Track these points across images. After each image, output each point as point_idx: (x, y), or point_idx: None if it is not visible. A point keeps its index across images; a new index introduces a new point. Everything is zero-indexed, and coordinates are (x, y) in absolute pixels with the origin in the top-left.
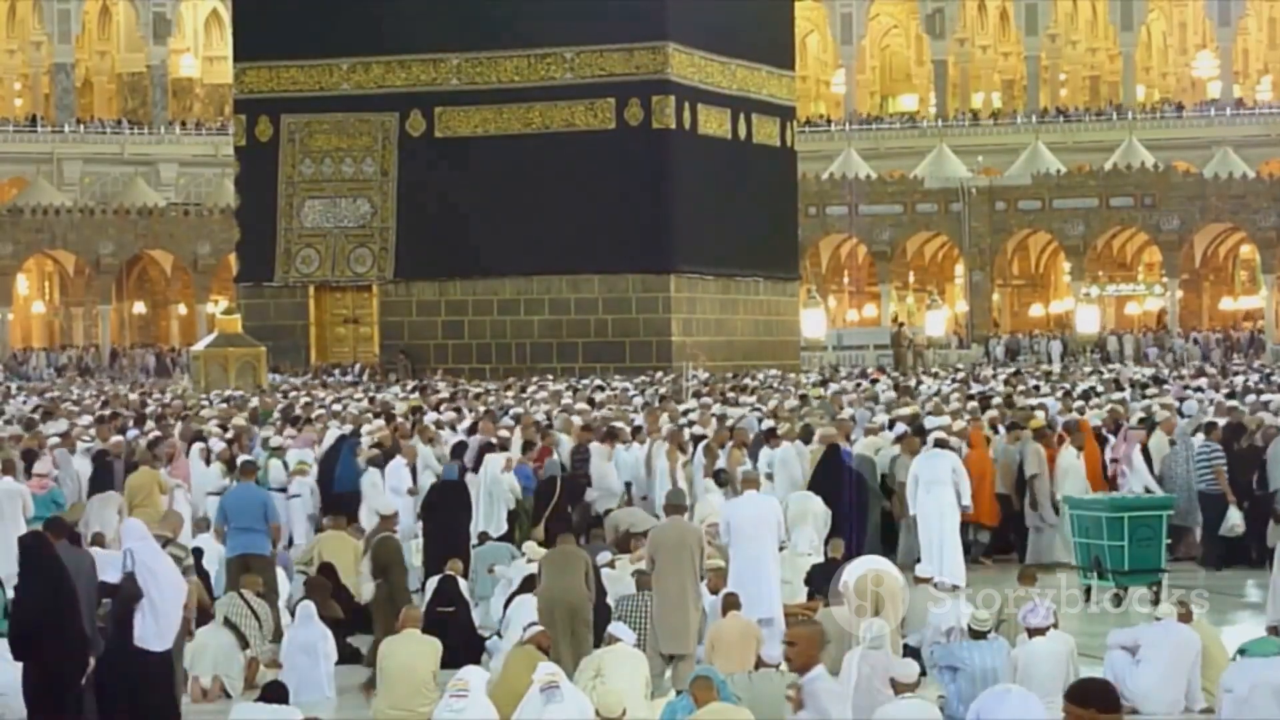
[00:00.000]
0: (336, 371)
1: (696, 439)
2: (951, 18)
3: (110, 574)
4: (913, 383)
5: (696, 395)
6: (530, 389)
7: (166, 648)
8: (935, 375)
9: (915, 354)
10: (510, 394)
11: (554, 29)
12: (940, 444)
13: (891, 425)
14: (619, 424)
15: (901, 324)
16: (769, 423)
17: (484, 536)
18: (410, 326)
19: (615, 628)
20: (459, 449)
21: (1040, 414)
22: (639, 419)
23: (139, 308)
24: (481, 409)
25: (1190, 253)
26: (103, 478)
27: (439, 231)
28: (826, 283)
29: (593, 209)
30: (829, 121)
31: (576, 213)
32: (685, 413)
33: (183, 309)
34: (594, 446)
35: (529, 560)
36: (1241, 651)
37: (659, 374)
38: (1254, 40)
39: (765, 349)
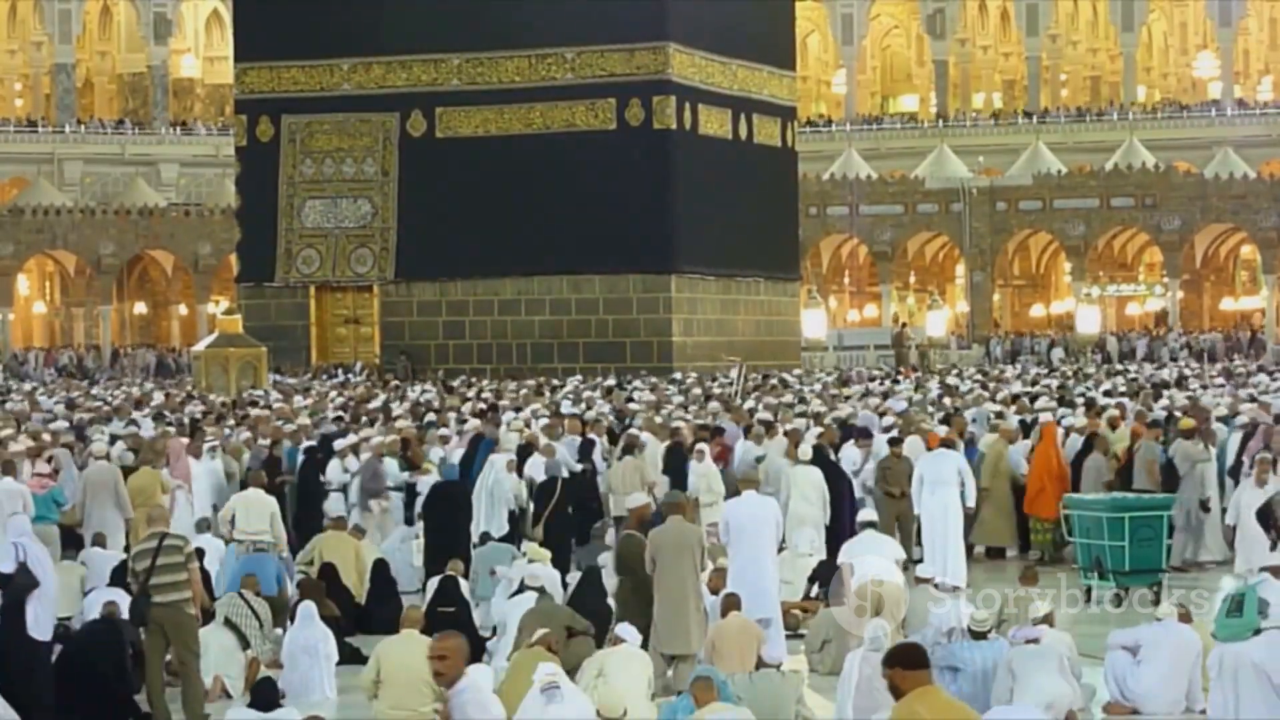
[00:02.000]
0: (340, 371)
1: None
2: (952, 18)
3: (4, 565)
4: (931, 383)
5: (745, 394)
6: (566, 388)
7: (48, 638)
8: (960, 375)
9: (921, 355)
10: (547, 393)
11: (555, 29)
12: (946, 444)
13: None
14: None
15: (905, 325)
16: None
17: (485, 537)
18: (411, 327)
19: (621, 629)
20: (586, 447)
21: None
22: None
23: (140, 308)
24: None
25: (1191, 253)
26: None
27: (440, 232)
28: (827, 283)
29: (593, 209)
30: (830, 122)
31: (577, 213)
32: (751, 412)
33: (183, 309)
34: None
35: (530, 560)
36: (1214, 635)
37: (687, 375)
38: (1255, 40)
39: (766, 349)
